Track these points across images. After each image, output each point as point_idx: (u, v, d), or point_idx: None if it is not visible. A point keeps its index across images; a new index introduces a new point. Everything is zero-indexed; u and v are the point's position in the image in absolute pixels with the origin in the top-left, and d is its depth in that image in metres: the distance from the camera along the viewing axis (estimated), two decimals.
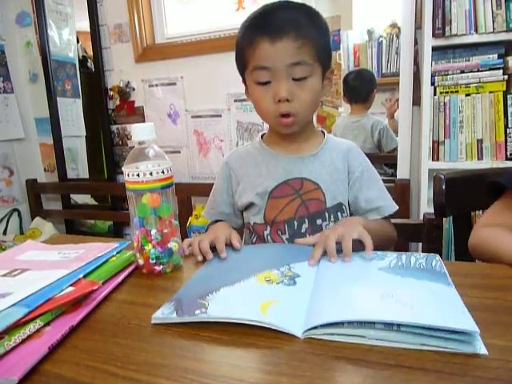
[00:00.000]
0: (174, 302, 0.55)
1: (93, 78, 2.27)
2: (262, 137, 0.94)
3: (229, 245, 0.76)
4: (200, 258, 0.73)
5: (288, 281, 0.59)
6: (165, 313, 0.52)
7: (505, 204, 0.82)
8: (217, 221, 0.94)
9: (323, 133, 0.92)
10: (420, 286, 0.55)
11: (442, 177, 0.98)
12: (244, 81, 0.86)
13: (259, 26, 0.76)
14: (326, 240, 0.67)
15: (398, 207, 0.88)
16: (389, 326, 0.45)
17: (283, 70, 0.75)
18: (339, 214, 0.86)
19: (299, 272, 0.62)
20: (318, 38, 0.77)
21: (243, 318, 0.48)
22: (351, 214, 0.89)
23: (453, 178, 0.99)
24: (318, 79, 0.80)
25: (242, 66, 0.82)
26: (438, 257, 0.64)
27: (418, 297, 0.51)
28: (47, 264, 0.67)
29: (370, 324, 0.46)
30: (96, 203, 2.66)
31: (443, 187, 0.97)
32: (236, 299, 0.55)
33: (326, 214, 0.84)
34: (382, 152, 2.35)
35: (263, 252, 0.76)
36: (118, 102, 2.24)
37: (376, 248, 0.67)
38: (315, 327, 0.46)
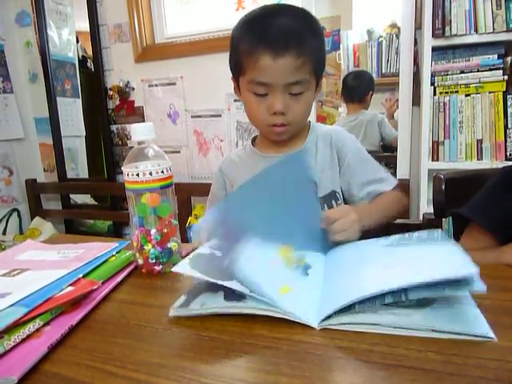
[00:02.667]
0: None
1: (92, 77, 2.27)
2: (253, 140, 0.94)
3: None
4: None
5: (302, 270, 0.60)
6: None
7: (470, 238, 0.82)
8: None
9: (309, 122, 0.91)
10: (422, 247, 0.57)
11: (442, 177, 0.97)
12: (236, 80, 0.86)
13: (260, 37, 0.74)
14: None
15: (395, 182, 0.87)
16: (397, 294, 0.46)
17: (281, 87, 0.75)
18: (333, 201, 0.85)
19: (311, 263, 0.63)
20: (317, 51, 0.78)
21: (267, 294, 0.50)
22: (345, 200, 0.88)
23: (452, 178, 0.99)
24: (313, 91, 0.81)
25: (238, 71, 0.82)
26: (439, 230, 0.64)
27: (420, 257, 0.53)
28: (47, 264, 0.67)
29: (381, 299, 0.47)
30: (96, 203, 2.66)
31: (443, 187, 0.97)
32: (260, 271, 0.56)
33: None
34: (386, 143, 2.37)
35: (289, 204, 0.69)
36: (117, 102, 2.24)
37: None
38: (329, 316, 0.47)
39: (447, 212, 1.00)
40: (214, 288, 0.55)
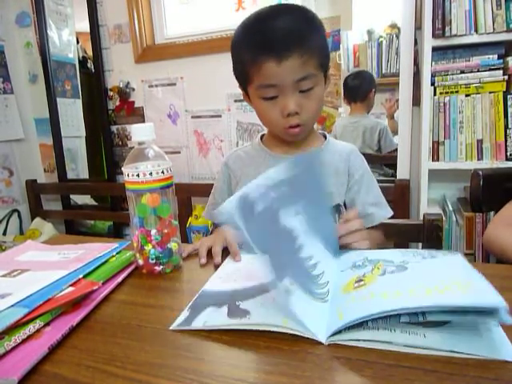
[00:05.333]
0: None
1: (93, 78, 2.27)
2: (261, 138, 0.94)
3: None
4: (203, 260, 0.73)
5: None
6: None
7: None
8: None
9: (324, 136, 0.92)
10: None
11: (480, 173, 0.99)
12: (243, 89, 0.85)
13: (261, 45, 0.73)
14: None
15: (392, 213, 0.89)
16: (414, 316, 0.44)
17: (290, 86, 0.74)
18: (336, 215, 0.86)
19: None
20: (320, 46, 0.77)
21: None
22: None
23: (490, 175, 1.01)
24: (322, 85, 0.80)
25: (244, 80, 0.81)
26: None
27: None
28: (47, 264, 0.67)
29: (395, 317, 0.44)
30: (96, 203, 2.66)
31: (481, 183, 0.99)
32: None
33: None
34: (382, 153, 2.35)
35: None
36: (117, 103, 2.24)
37: None
38: (340, 331, 0.45)
39: (484, 207, 1.02)
40: (218, 302, 0.55)
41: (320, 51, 0.76)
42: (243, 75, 0.80)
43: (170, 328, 0.51)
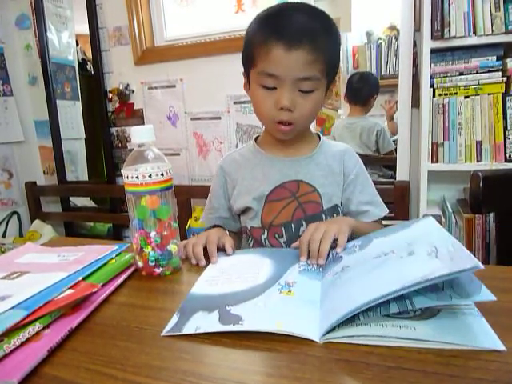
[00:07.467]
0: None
1: (92, 80, 2.27)
2: (256, 139, 0.94)
3: (221, 249, 0.77)
4: (194, 261, 0.74)
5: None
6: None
7: None
8: (214, 226, 0.94)
9: (319, 136, 0.92)
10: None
11: (480, 174, 0.99)
12: (247, 74, 0.84)
13: (275, 29, 0.74)
14: (311, 243, 0.68)
15: (387, 211, 0.89)
16: (402, 303, 0.45)
17: (291, 81, 0.74)
18: (335, 215, 0.86)
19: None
20: (331, 53, 0.77)
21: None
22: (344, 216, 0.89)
23: (490, 176, 1.00)
24: (323, 92, 0.80)
25: (249, 62, 0.80)
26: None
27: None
28: (46, 266, 0.67)
29: (385, 308, 0.46)
30: (95, 206, 2.66)
31: (480, 184, 0.98)
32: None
33: (323, 216, 0.84)
34: (380, 154, 2.35)
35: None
36: (117, 105, 2.24)
37: None
38: (332, 330, 0.46)
39: (484, 209, 1.02)
40: (207, 307, 0.54)
41: (329, 56, 0.76)
42: (250, 57, 0.79)
43: (162, 335, 0.50)
